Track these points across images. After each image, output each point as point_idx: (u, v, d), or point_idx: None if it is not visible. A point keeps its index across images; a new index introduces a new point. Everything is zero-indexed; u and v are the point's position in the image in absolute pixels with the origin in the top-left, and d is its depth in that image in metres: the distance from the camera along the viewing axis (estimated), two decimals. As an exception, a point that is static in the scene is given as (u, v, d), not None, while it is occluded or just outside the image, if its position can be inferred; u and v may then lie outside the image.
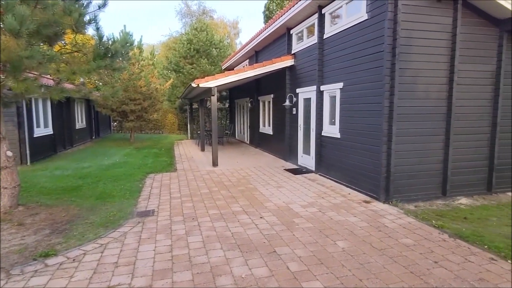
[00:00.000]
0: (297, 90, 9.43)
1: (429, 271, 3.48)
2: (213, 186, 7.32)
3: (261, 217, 5.16)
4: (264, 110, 13.07)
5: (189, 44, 20.17)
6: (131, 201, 6.09)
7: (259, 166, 9.70)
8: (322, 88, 7.96)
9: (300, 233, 4.52)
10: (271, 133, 11.94)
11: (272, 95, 11.67)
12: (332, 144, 7.61)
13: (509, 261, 3.69)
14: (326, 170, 7.93)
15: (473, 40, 6.02)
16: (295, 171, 8.79)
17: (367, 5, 6.10)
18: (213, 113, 9.51)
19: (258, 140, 13.80)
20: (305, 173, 8.50)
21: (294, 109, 9.77)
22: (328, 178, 7.78)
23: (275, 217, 5.18)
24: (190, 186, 7.30)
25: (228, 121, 22.48)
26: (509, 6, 5.58)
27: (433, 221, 4.91)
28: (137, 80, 15.59)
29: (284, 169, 9.16)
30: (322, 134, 8.03)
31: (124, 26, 11.67)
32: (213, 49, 21.33)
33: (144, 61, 16.76)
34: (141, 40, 15.51)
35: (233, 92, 19.21)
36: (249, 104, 14.52)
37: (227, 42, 35.22)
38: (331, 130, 7.62)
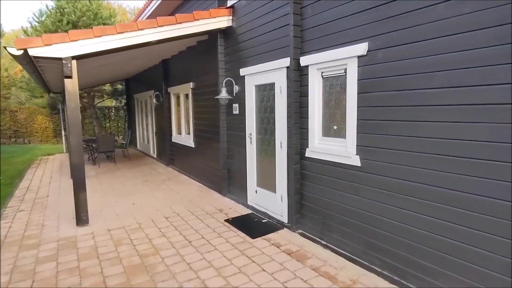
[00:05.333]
0: (242, 71, 5.18)
1: None
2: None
3: None
4: (178, 108, 8.42)
5: (59, 14, 13.81)
6: None
7: (176, 214, 5.12)
8: (305, 60, 3.89)
9: None
10: (193, 146, 7.40)
11: (191, 83, 7.13)
12: (336, 176, 3.62)
13: None
14: (318, 227, 3.91)
15: None
16: (249, 226, 4.53)
17: None
18: (71, 112, 4.50)
19: (171, 154, 9.05)
20: (269, 231, 4.32)
21: (236, 105, 5.50)
22: (324, 245, 3.78)
23: None
24: None
25: (126, 125, 16.78)
26: None
27: None
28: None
29: (226, 220, 4.81)
30: (308, 156, 3.98)
31: None
32: (100, 24, 15.36)
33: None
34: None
35: (131, 84, 13.79)
36: (154, 100, 9.61)
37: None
38: (334, 148, 3.61)
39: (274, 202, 4.65)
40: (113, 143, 9.63)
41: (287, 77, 4.17)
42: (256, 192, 5.11)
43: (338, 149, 3.52)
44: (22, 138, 17.60)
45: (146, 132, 11.90)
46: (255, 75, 4.90)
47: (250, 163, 5.22)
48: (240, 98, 5.37)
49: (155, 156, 10.79)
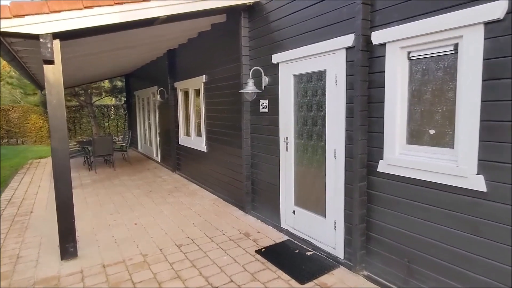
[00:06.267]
0: (275, 58, 4.05)
1: None
2: None
3: None
4: (187, 105, 7.29)
5: None
6: None
7: (191, 240, 3.99)
8: (380, 36, 2.75)
9: None
10: (205, 150, 6.28)
11: (204, 76, 6.00)
12: (434, 203, 2.49)
13: None
14: (398, 271, 2.78)
15: None
16: (290, 262, 3.39)
17: None
18: (53, 111, 3.35)
19: (177, 159, 7.93)
20: (320, 270, 3.19)
21: (265, 102, 4.37)
22: (408, 298, 2.66)
23: None
24: None
25: (126, 125, 15.66)
26: None
27: None
28: None
29: (257, 251, 3.69)
30: (382, 170, 2.85)
31: None
32: None
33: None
34: None
35: (132, 80, 12.67)
36: (158, 97, 8.49)
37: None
38: (431, 162, 2.47)
39: (323, 229, 3.52)
40: (111, 145, 8.50)
41: (347, 61, 3.05)
42: (293, 213, 3.98)
43: (440, 163, 2.39)
44: (15, 138, 16.48)
45: (148, 132, 10.77)
46: (294, 62, 3.77)
47: (285, 175, 4.10)
48: (271, 92, 4.24)
49: (158, 159, 9.66)
